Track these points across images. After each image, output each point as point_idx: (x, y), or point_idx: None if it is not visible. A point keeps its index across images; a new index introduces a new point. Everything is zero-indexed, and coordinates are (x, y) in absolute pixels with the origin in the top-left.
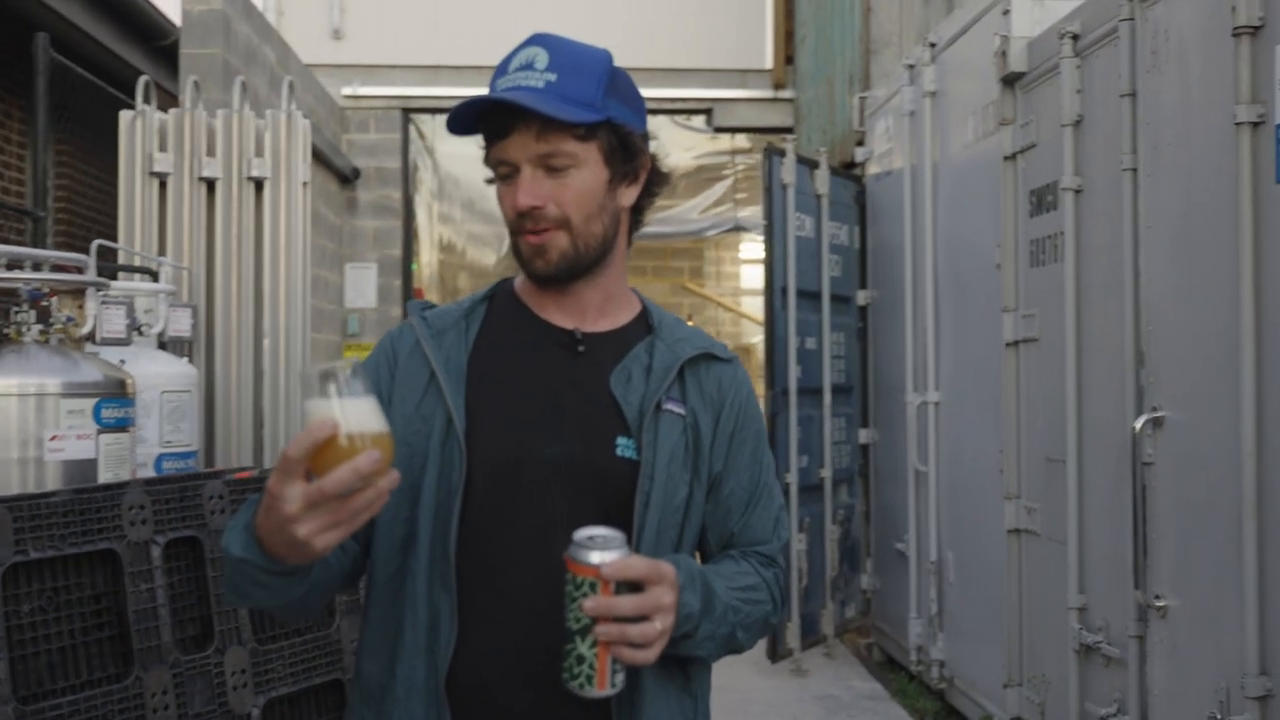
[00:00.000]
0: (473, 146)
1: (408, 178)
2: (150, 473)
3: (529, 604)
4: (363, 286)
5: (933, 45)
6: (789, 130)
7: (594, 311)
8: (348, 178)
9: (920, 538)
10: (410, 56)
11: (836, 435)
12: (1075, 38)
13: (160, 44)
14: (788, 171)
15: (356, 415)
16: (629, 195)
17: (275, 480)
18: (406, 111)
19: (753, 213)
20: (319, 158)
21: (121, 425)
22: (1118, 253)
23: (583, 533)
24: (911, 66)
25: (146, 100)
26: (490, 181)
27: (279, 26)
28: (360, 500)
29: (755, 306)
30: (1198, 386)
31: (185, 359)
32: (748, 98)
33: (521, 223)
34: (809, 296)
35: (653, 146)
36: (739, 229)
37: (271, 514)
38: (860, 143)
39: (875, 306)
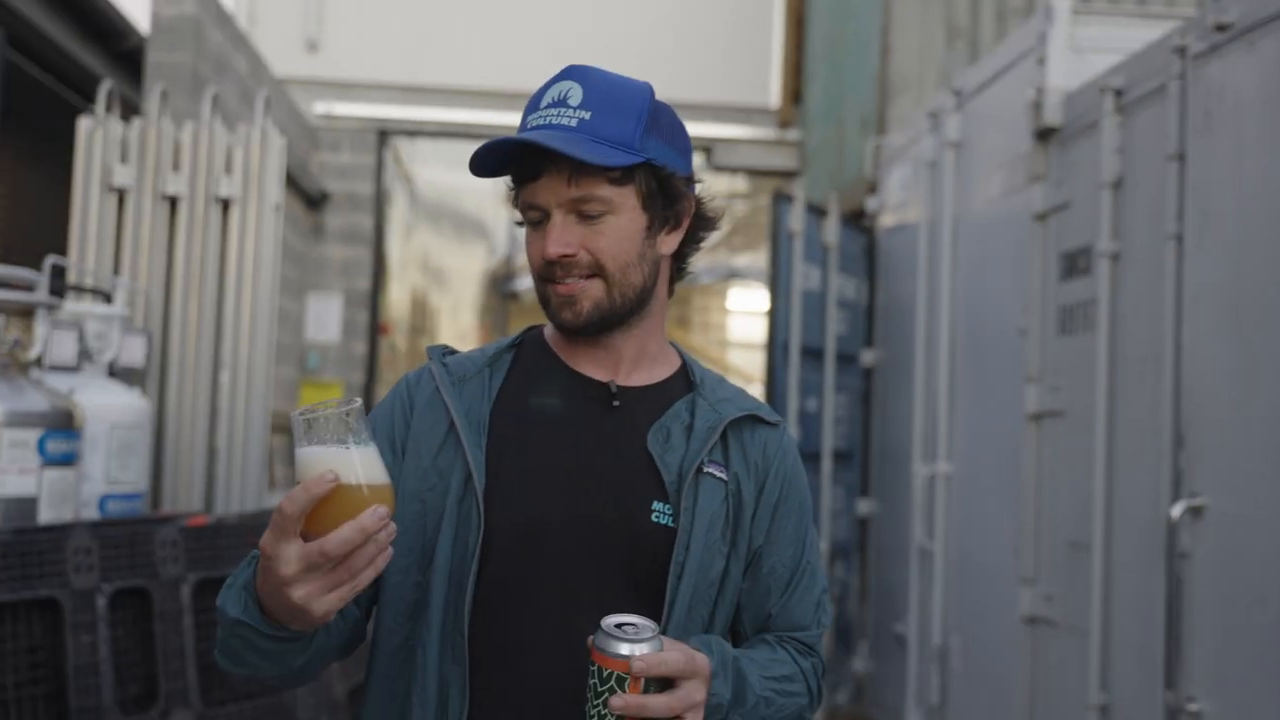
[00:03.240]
0: (453, 175)
1: (380, 204)
2: (93, 514)
3: (549, 683)
4: (326, 319)
5: (958, 93)
6: (792, 174)
7: (629, 364)
8: (315, 201)
9: (923, 621)
10: (390, 74)
11: (835, 505)
12: (1119, 93)
13: (120, 48)
14: (796, 219)
15: (362, 465)
16: (670, 242)
17: (269, 539)
18: (383, 133)
19: (750, 260)
20: (286, 178)
21: (67, 460)
22: (1158, 324)
23: (611, 620)
24: (934, 114)
25: (108, 108)
26: (520, 224)
27: (250, 35)
28: (361, 557)
29: (741, 360)
30: (1245, 474)
31: (137, 390)
32: (750, 138)
33: (551, 271)
34: (812, 354)
35: (698, 189)
36: (733, 276)
37: (269, 576)
38: (872, 191)
39: (881, 368)
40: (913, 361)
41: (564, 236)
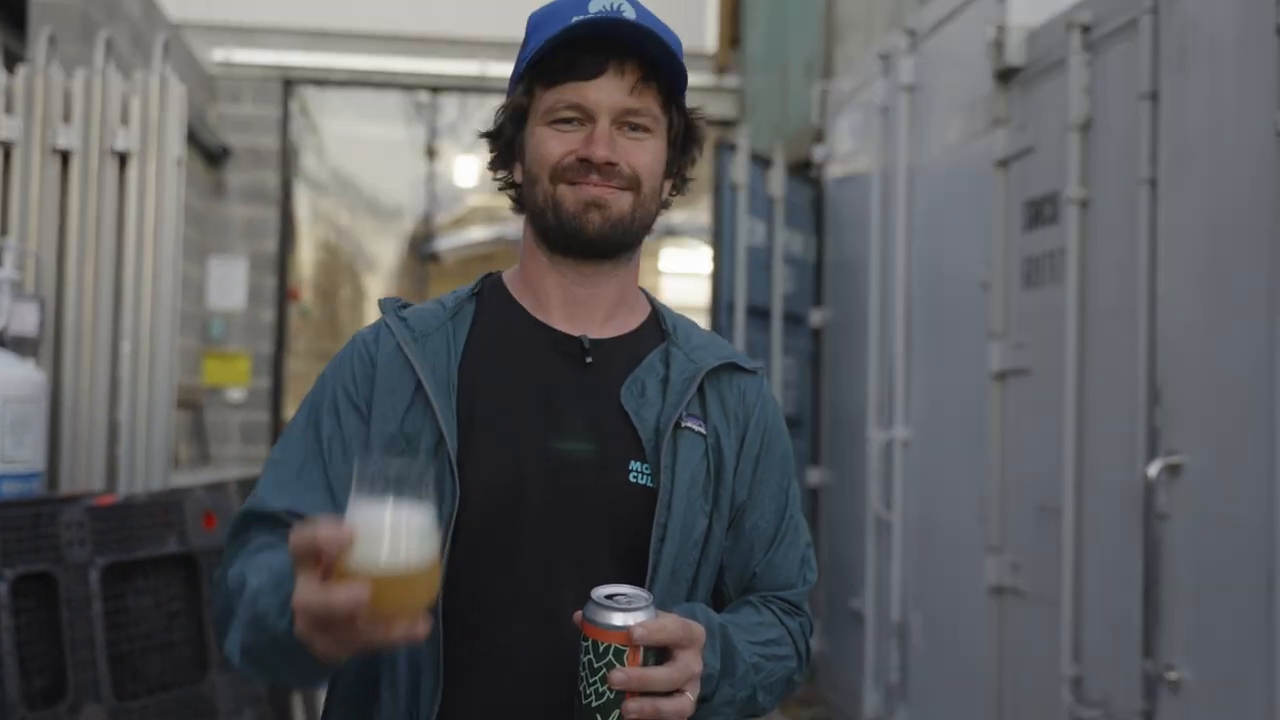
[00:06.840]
0: (366, 127)
1: (287, 160)
2: None
3: (527, 657)
4: (229, 284)
5: (912, 33)
6: (731, 123)
7: (603, 313)
8: (215, 156)
9: (880, 595)
10: (295, 18)
11: None
12: (1086, 29)
13: None
14: (740, 170)
15: (407, 534)
16: (666, 189)
17: (295, 564)
18: (288, 82)
19: (687, 217)
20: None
21: None
22: (1131, 274)
23: (600, 591)
24: (886, 56)
25: None
26: (515, 124)
27: None
28: (365, 634)
29: None
30: (1224, 430)
31: (30, 362)
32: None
33: (577, 173)
34: (758, 315)
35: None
36: (669, 234)
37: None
38: (819, 140)
39: (831, 328)
40: (866, 320)
41: (611, 144)
